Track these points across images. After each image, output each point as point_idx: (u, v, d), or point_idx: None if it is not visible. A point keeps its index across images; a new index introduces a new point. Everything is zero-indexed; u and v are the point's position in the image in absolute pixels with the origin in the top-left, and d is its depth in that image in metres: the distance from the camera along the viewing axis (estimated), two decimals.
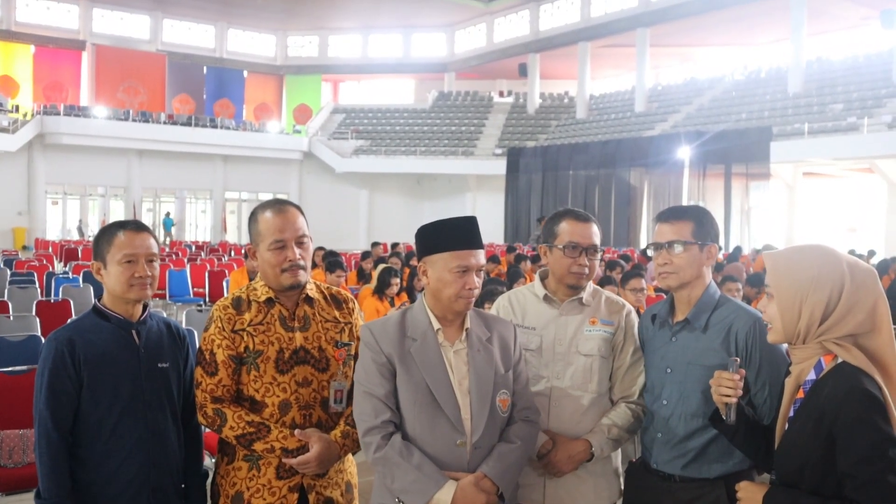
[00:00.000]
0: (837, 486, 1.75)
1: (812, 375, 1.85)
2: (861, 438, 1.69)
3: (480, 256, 2.27)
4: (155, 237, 2.51)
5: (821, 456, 1.76)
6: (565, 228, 2.64)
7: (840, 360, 1.81)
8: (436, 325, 2.28)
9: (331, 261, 7.16)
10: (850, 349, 1.80)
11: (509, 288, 4.00)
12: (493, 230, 29.91)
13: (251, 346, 2.42)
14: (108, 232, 2.46)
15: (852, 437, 1.70)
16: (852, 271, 1.82)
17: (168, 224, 32.09)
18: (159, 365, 2.46)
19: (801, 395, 1.86)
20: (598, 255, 2.64)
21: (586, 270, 2.61)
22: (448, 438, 2.19)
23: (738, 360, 2.08)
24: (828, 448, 1.75)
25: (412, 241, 3.20)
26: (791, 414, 1.87)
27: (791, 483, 1.84)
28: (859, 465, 1.69)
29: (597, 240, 2.65)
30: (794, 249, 1.92)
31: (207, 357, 2.42)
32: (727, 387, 2.03)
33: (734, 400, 2.04)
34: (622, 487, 2.70)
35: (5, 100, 29.79)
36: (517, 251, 13.27)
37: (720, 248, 2.72)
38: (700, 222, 2.44)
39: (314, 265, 8.66)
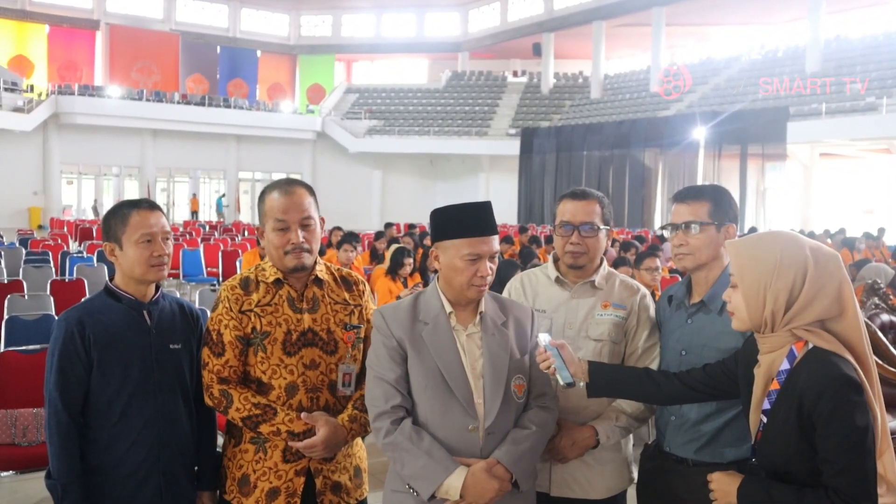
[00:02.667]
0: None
1: (786, 365, 1.82)
2: (840, 425, 1.68)
3: (493, 243, 2.19)
4: (165, 214, 2.48)
5: (806, 446, 1.75)
6: (562, 208, 2.60)
7: (811, 346, 1.79)
8: (448, 308, 2.22)
9: (340, 237, 7.15)
10: (819, 333, 1.78)
11: (522, 269, 3.95)
12: (506, 211, 29.87)
13: (258, 327, 2.38)
14: (120, 212, 2.40)
15: (831, 423, 1.69)
16: (815, 256, 1.79)
17: (220, 205, 32.70)
18: (171, 346, 2.42)
19: (775, 386, 1.84)
20: (599, 233, 2.54)
21: (580, 249, 2.52)
22: (460, 423, 2.13)
23: (543, 335, 2.24)
24: (811, 437, 1.74)
25: (426, 222, 3.16)
26: (767, 406, 1.85)
27: (779, 476, 1.82)
28: (837, 452, 1.68)
29: (594, 217, 2.54)
30: (755, 237, 1.89)
31: (214, 337, 2.39)
32: (541, 362, 2.19)
33: (552, 369, 2.16)
34: (633, 476, 2.65)
35: (20, 80, 29.93)
36: (530, 232, 13.24)
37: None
38: (717, 202, 2.40)
39: (330, 245, 8.64)
